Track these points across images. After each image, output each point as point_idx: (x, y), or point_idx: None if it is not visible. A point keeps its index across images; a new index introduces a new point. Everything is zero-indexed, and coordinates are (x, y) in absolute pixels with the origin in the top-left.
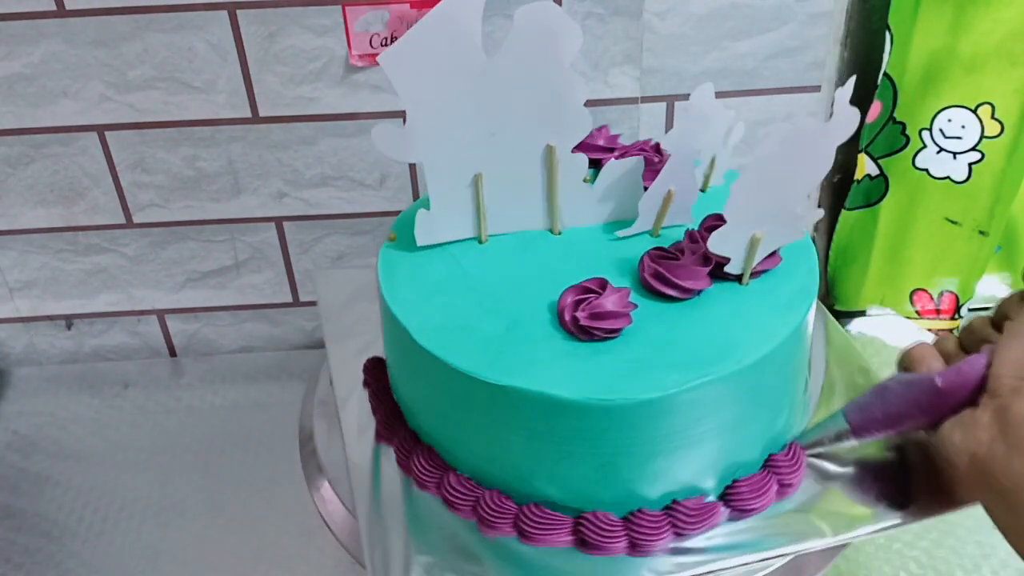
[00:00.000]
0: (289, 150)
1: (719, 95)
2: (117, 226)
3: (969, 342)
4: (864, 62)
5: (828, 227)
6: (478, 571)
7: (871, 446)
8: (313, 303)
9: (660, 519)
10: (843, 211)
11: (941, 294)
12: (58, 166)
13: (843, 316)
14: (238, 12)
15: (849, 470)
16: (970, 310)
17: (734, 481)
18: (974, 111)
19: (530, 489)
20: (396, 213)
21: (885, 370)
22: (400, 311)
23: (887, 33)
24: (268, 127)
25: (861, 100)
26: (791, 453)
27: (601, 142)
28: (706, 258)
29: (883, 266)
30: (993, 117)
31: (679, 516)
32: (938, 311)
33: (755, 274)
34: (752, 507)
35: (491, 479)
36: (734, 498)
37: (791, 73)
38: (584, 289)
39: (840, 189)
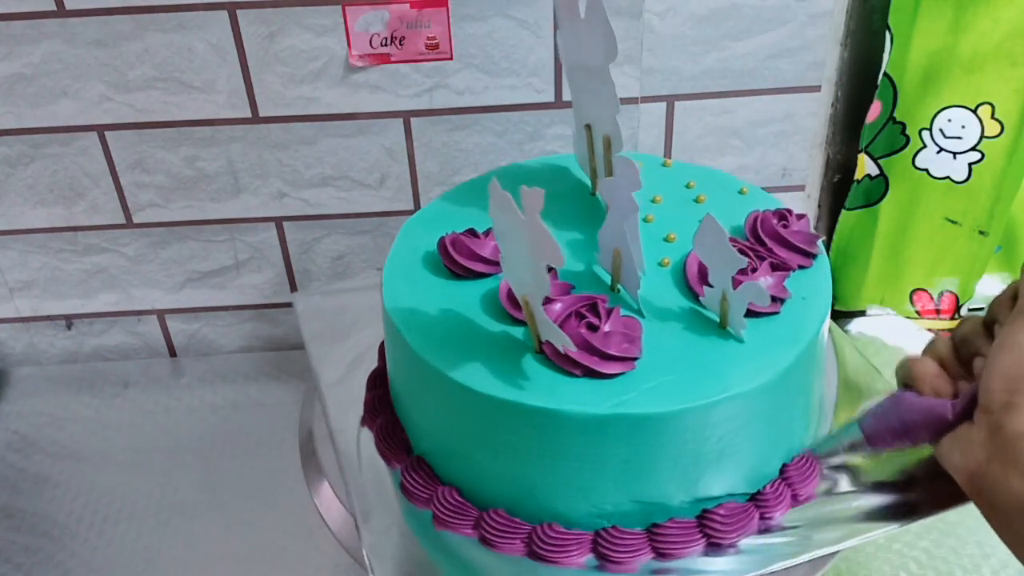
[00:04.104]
0: (289, 150)
1: (719, 95)
2: (117, 226)
3: (963, 350)
4: (864, 62)
5: (828, 227)
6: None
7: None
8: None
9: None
10: (843, 211)
11: (941, 294)
12: (58, 166)
13: (843, 316)
14: (238, 12)
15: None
16: (970, 310)
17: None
18: (974, 111)
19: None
20: (396, 213)
21: (886, 370)
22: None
23: (887, 33)
24: (268, 127)
25: (861, 100)
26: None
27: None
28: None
29: (883, 266)
30: (993, 117)
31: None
32: (938, 311)
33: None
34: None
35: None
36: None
37: (791, 73)
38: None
39: (840, 189)
